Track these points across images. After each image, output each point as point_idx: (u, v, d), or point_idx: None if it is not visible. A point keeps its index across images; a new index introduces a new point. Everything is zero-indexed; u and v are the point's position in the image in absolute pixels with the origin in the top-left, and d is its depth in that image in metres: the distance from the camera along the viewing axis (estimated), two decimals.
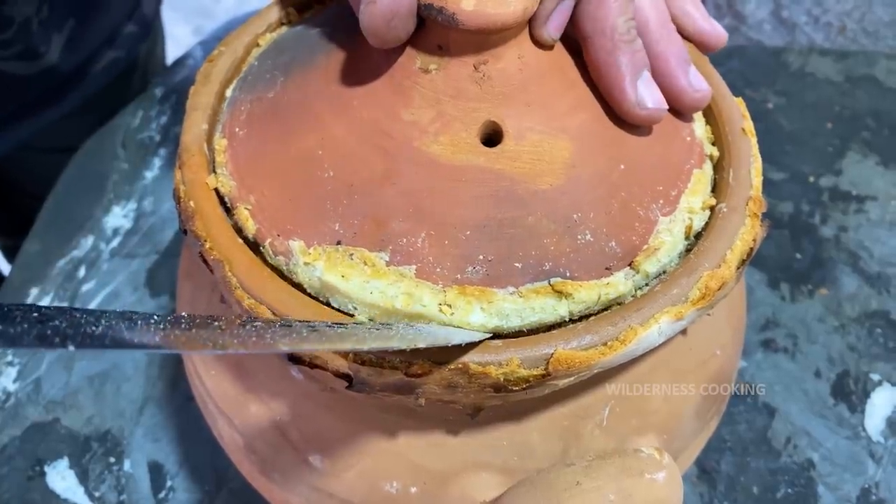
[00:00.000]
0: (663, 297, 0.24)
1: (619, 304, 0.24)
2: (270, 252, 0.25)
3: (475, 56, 0.25)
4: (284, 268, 0.24)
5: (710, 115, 0.29)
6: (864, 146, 0.56)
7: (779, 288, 0.48)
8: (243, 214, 0.25)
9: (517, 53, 0.25)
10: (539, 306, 0.23)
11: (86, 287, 0.49)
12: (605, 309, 0.24)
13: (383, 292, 0.23)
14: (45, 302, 0.47)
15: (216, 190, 0.26)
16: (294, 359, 0.24)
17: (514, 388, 0.22)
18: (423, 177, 0.24)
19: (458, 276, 0.23)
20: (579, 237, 0.24)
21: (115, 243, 0.51)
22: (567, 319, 0.24)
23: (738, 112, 0.29)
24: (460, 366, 0.22)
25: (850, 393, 0.43)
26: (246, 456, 0.29)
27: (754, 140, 0.28)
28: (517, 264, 0.23)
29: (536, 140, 0.25)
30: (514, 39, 0.25)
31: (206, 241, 0.25)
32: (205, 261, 0.25)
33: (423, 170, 0.24)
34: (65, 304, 0.47)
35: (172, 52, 0.72)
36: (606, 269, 0.24)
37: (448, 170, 0.24)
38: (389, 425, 0.26)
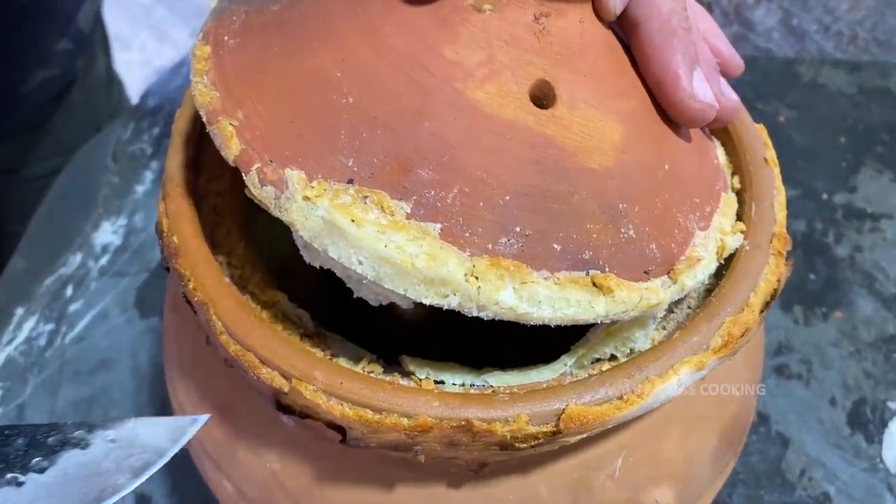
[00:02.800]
0: (683, 346, 0.22)
1: (652, 313, 0.22)
2: (256, 181, 0.21)
3: (537, 5, 0.22)
4: (272, 202, 0.21)
5: (730, 143, 0.28)
6: (879, 161, 0.54)
7: (792, 311, 0.46)
8: (227, 130, 0.22)
9: (580, 17, 0.23)
10: (575, 299, 0.21)
11: (73, 307, 0.47)
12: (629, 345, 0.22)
13: (401, 248, 0.20)
14: (30, 323, 0.46)
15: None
16: (283, 408, 0.22)
17: (522, 446, 0.21)
18: (462, 124, 0.21)
19: (490, 245, 0.20)
20: (623, 231, 0.22)
21: (104, 261, 0.50)
22: (599, 321, 0.21)
23: (759, 140, 0.27)
24: (463, 423, 0.20)
25: (867, 422, 0.42)
26: (236, 502, 0.28)
27: (777, 170, 0.27)
28: (556, 246, 0.21)
29: (590, 114, 0.22)
30: (579, 2, 0.23)
31: (189, 280, 0.23)
32: (188, 301, 0.23)
33: (463, 116, 0.21)
34: (50, 326, 0.46)
35: (171, 56, 0.70)
36: (645, 272, 0.22)
37: (493, 122, 0.21)
38: (387, 477, 0.24)
